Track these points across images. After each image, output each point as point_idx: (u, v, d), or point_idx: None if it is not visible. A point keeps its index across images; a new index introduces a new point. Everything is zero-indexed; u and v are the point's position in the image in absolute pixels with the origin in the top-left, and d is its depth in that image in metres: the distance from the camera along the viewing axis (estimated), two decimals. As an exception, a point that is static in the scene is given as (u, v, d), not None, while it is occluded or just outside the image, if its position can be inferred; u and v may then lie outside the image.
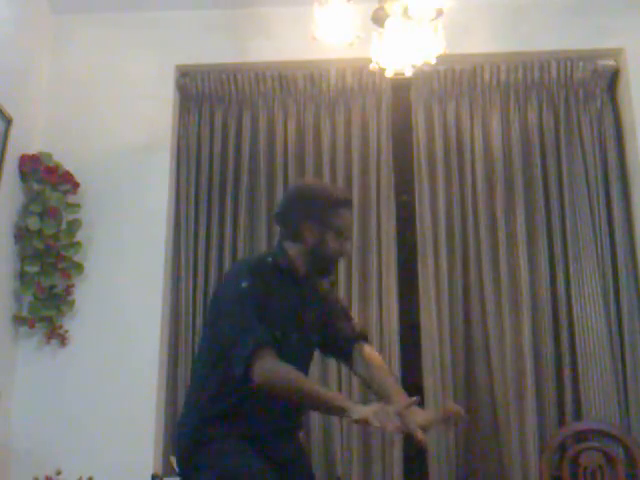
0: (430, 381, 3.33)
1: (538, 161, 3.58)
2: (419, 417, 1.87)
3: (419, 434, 1.76)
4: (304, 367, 2.11)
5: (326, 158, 3.65)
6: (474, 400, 3.36)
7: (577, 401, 3.31)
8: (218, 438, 1.99)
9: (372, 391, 2.21)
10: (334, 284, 2.28)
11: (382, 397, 2.05)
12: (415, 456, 3.37)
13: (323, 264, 2.13)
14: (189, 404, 2.16)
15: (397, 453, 3.28)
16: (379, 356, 2.23)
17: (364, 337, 2.24)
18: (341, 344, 2.21)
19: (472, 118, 3.66)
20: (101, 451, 3.23)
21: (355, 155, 3.64)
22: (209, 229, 3.62)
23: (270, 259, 2.13)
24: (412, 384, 3.39)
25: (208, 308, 2.46)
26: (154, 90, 3.70)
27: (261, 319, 1.95)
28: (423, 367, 3.37)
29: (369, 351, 2.20)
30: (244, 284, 1.99)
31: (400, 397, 1.99)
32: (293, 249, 2.11)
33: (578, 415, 3.30)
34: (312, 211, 2.09)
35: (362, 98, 3.71)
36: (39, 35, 3.70)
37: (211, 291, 3.53)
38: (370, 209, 3.57)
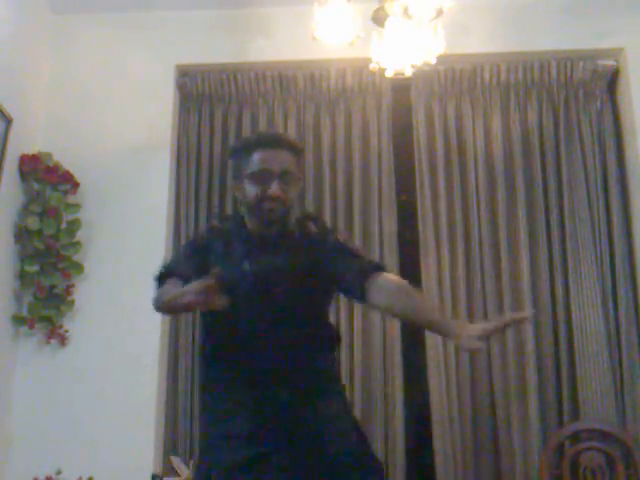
0: (434, 380, 3.33)
1: (538, 161, 3.59)
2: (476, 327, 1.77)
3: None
4: (278, 312, 2.02)
5: (326, 158, 3.65)
6: (474, 399, 3.36)
7: (576, 401, 3.31)
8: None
9: (399, 318, 2.18)
10: (324, 227, 2.18)
11: (409, 318, 1.98)
12: (418, 455, 3.38)
13: (257, 215, 2.08)
14: None
15: (399, 452, 3.28)
16: (397, 278, 2.05)
17: (378, 269, 2.02)
18: (349, 280, 2.00)
19: (472, 118, 3.66)
20: (101, 451, 3.23)
21: (355, 155, 3.64)
22: (209, 229, 3.62)
23: (228, 224, 2.21)
24: (414, 382, 3.39)
25: None
26: (154, 90, 3.71)
27: (181, 263, 2.09)
28: (426, 366, 3.37)
29: (385, 278, 1.99)
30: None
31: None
32: (243, 211, 2.15)
33: (577, 415, 3.30)
34: (232, 170, 2.17)
35: (362, 98, 3.71)
36: (39, 35, 3.70)
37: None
38: (371, 209, 3.57)
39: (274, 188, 2.02)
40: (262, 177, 2.04)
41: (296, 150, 2.13)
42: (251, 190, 2.05)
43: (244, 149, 2.11)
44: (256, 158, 2.05)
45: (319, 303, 2.15)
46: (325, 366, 2.11)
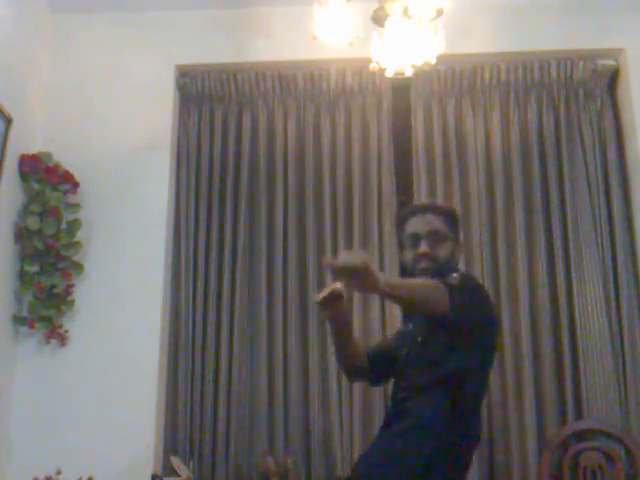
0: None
1: (538, 161, 3.59)
2: None
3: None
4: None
5: (326, 158, 3.65)
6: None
7: (577, 400, 3.31)
8: None
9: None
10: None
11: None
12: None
13: (415, 276, 2.21)
14: None
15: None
16: None
17: None
18: None
19: (472, 118, 3.66)
20: (101, 451, 3.23)
21: (355, 155, 3.64)
22: (209, 229, 3.62)
23: None
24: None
25: None
26: (154, 90, 3.70)
27: None
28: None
29: None
30: None
31: None
32: None
33: (578, 414, 3.30)
34: (397, 242, 2.49)
35: (362, 98, 3.71)
36: (39, 35, 3.70)
37: (211, 291, 3.54)
38: (370, 209, 3.57)
39: (422, 247, 2.17)
40: (412, 240, 2.22)
41: (443, 212, 2.28)
42: (407, 255, 2.24)
43: (399, 221, 2.33)
44: (408, 226, 2.25)
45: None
46: None
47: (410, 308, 2.12)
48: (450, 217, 2.29)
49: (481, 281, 3.43)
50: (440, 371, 2.07)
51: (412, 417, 2.07)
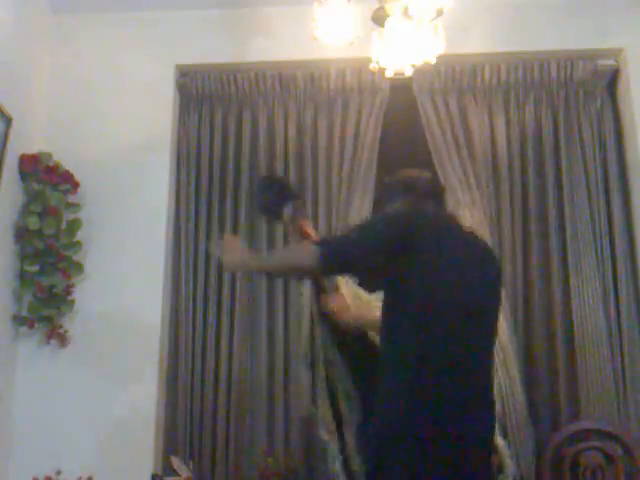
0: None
1: (538, 161, 3.59)
2: None
3: None
4: None
5: (326, 157, 3.65)
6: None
7: (576, 400, 3.31)
8: None
9: None
10: None
11: None
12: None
13: None
14: None
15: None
16: None
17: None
18: None
19: (472, 118, 3.65)
20: (101, 451, 3.23)
21: (355, 154, 3.64)
22: (209, 229, 3.63)
23: None
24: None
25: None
26: (154, 90, 3.70)
27: None
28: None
29: None
30: None
31: None
32: None
33: (577, 414, 3.30)
34: None
35: (362, 98, 3.71)
36: (39, 35, 3.70)
37: (210, 291, 3.54)
38: (370, 209, 3.57)
39: None
40: None
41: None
42: None
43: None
44: None
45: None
46: None
47: (278, 276, 2.12)
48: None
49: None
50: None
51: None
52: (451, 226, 2.18)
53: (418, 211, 2.17)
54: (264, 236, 3.58)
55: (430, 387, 1.90)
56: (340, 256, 1.98)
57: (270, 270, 1.95)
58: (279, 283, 3.49)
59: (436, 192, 2.28)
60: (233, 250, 1.93)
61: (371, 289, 2.27)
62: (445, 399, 1.90)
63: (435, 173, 3.51)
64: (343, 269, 2.06)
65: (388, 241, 2.01)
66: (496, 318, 2.14)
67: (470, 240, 2.20)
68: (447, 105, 3.67)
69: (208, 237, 3.60)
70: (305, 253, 1.96)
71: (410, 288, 1.97)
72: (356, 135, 3.66)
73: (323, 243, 2.04)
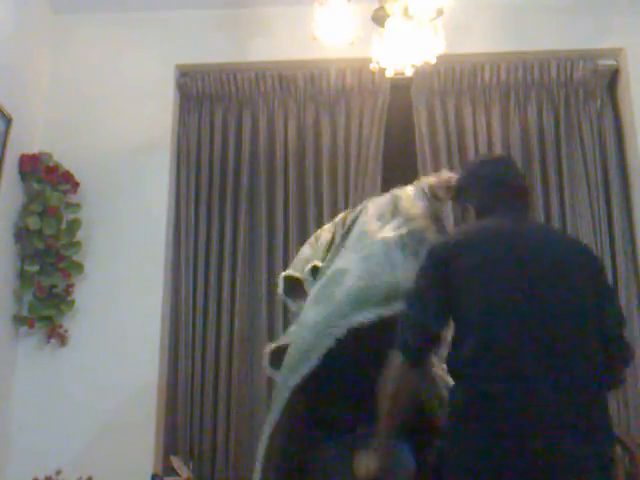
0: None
1: (538, 161, 3.59)
2: None
3: None
4: None
5: (326, 158, 3.65)
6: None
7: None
8: None
9: None
10: None
11: None
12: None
13: None
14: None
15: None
16: None
17: None
18: None
19: (472, 118, 3.66)
20: (101, 451, 3.23)
21: (355, 154, 3.64)
22: (209, 229, 3.63)
23: None
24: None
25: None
26: (154, 90, 3.71)
27: None
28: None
29: None
30: None
31: None
32: None
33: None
34: None
35: (362, 98, 3.71)
36: (39, 35, 3.70)
37: (210, 291, 3.54)
38: (370, 209, 3.57)
39: None
40: None
41: None
42: None
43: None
44: None
45: None
46: None
47: (402, 405, 2.06)
48: None
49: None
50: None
51: None
52: (490, 232, 2.05)
53: (447, 239, 2.14)
54: (264, 236, 3.58)
55: None
56: (414, 344, 1.96)
57: (393, 407, 1.97)
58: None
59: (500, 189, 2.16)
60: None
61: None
62: None
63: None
64: (428, 347, 2.01)
65: (435, 297, 1.98)
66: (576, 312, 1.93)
67: (521, 236, 2.03)
68: (446, 105, 3.67)
69: (208, 237, 3.60)
70: (396, 371, 1.96)
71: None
72: (359, 135, 3.66)
73: (398, 345, 1.99)
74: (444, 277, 1.97)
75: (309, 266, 2.50)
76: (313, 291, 2.38)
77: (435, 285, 1.99)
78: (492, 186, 2.15)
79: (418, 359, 2.00)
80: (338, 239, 2.53)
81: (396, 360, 1.97)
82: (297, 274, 2.55)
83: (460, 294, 1.94)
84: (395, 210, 2.44)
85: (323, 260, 2.51)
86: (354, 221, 2.53)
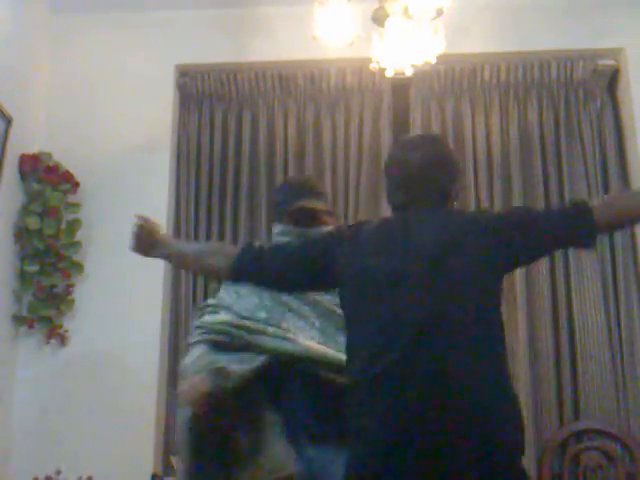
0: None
1: (538, 161, 3.59)
2: None
3: None
4: None
5: (326, 158, 3.65)
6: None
7: (576, 400, 3.31)
8: None
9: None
10: None
11: None
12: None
13: None
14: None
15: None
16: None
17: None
18: None
19: (472, 118, 3.66)
20: (101, 451, 3.23)
21: (355, 155, 3.64)
22: (209, 229, 3.63)
23: None
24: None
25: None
26: (154, 90, 3.70)
27: None
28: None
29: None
30: None
31: None
32: None
33: (577, 414, 3.30)
34: None
35: (362, 98, 3.71)
36: (39, 35, 3.70)
37: (210, 291, 3.54)
38: (371, 209, 3.57)
39: None
40: None
41: None
42: None
43: None
44: None
45: None
46: None
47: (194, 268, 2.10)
48: None
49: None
50: None
51: None
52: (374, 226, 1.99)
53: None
54: (264, 236, 3.58)
55: None
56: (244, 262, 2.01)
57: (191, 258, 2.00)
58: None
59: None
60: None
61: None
62: None
63: None
64: (254, 270, 2.03)
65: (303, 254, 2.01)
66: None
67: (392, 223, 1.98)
68: (446, 105, 3.67)
69: (208, 237, 3.60)
70: (225, 259, 2.02)
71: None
72: (359, 135, 3.67)
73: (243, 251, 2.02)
74: (324, 255, 1.95)
75: None
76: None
77: (309, 248, 2.00)
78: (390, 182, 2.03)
79: (239, 271, 2.02)
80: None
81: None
82: None
83: (342, 288, 1.93)
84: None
85: None
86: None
